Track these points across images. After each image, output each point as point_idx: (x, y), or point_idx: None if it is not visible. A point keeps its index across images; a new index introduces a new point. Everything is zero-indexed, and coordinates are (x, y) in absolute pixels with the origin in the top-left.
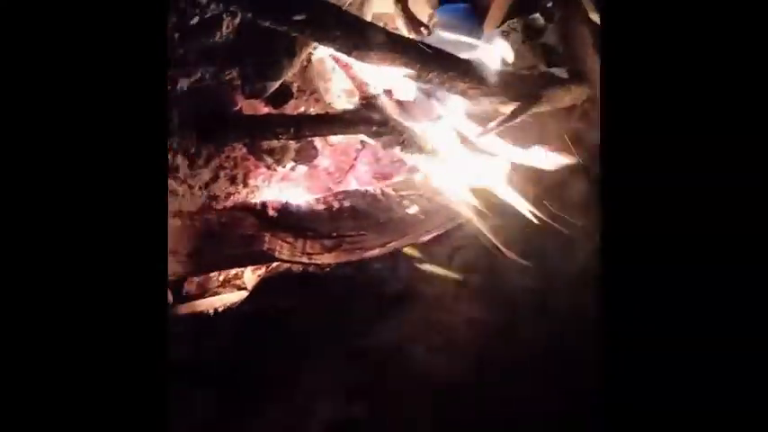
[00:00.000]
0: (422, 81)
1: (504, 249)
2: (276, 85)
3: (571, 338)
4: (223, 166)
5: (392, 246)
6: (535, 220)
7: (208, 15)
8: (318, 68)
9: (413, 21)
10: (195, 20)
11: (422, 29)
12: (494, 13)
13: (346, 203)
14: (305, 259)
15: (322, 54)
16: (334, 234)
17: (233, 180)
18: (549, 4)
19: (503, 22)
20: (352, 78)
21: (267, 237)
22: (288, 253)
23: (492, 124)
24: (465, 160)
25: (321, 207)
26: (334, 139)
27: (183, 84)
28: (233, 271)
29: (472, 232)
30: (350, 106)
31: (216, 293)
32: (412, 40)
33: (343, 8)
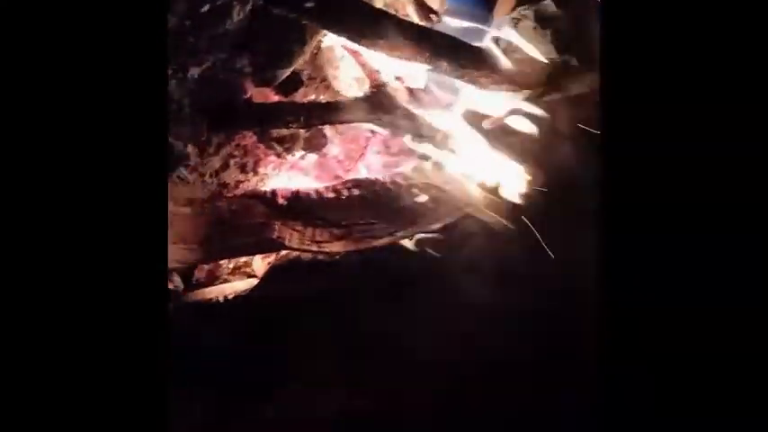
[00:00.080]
0: (432, 69)
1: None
2: (286, 72)
3: (582, 326)
4: (233, 155)
5: (401, 234)
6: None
7: (219, 3)
8: (328, 56)
9: (423, 8)
10: (206, 7)
11: (432, 16)
12: (504, 1)
13: (356, 192)
14: (314, 247)
15: (332, 42)
16: (344, 223)
17: (243, 168)
18: None
19: (513, 9)
20: (363, 66)
21: (277, 225)
22: (297, 241)
23: (502, 113)
24: (476, 148)
25: (330, 195)
26: (343, 127)
27: (194, 71)
28: (243, 258)
29: (482, 221)
30: (360, 94)
31: (226, 281)
32: (422, 27)
33: None
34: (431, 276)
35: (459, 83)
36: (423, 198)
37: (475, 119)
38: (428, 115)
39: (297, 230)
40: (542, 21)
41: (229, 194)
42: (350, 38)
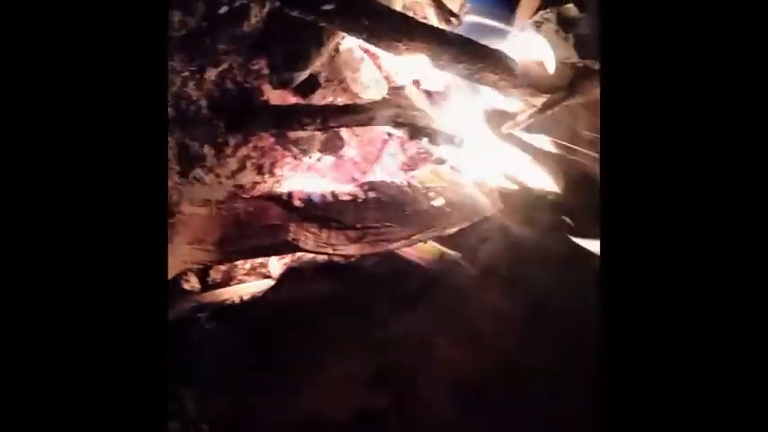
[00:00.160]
0: (451, 71)
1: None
2: (304, 75)
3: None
4: (250, 156)
5: (417, 238)
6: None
7: (236, 5)
8: (346, 58)
9: (443, 10)
10: (224, 9)
11: (452, 18)
12: (527, 3)
13: (372, 194)
14: (329, 250)
15: (350, 44)
16: (359, 225)
17: (260, 170)
18: None
19: (536, 12)
20: (380, 68)
21: (292, 227)
22: (312, 243)
23: (522, 116)
24: (493, 152)
25: (346, 198)
26: (360, 129)
27: (211, 73)
28: (258, 260)
29: (498, 225)
30: (377, 97)
31: (242, 282)
32: (441, 30)
33: None
34: (447, 279)
35: (478, 86)
36: (439, 201)
37: (493, 122)
38: (446, 118)
39: (312, 233)
40: (565, 24)
41: (246, 196)
42: (368, 40)
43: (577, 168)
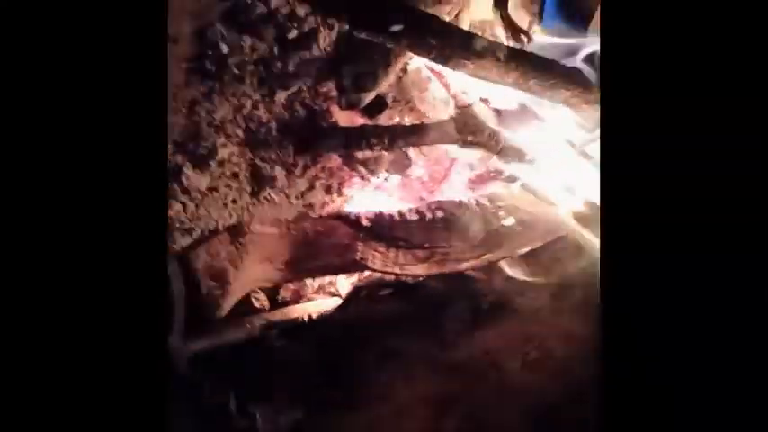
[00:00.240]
0: (521, 89)
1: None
2: (371, 96)
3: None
4: (319, 176)
5: (486, 258)
6: None
7: (306, 29)
8: (414, 78)
9: (512, 28)
10: (293, 33)
11: (522, 36)
12: (599, 18)
13: (439, 214)
14: (397, 270)
15: (418, 64)
16: (427, 245)
17: (328, 190)
18: None
19: None
20: (448, 87)
21: (360, 246)
22: (380, 263)
23: (596, 133)
24: (567, 170)
25: (414, 217)
26: (427, 148)
27: (281, 96)
28: (327, 278)
29: (573, 245)
30: (445, 116)
31: (310, 300)
32: (511, 47)
33: (440, 17)
34: (517, 300)
35: (549, 103)
36: (510, 221)
37: (566, 139)
38: (516, 135)
39: (380, 252)
40: None
41: (314, 215)
42: (436, 60)
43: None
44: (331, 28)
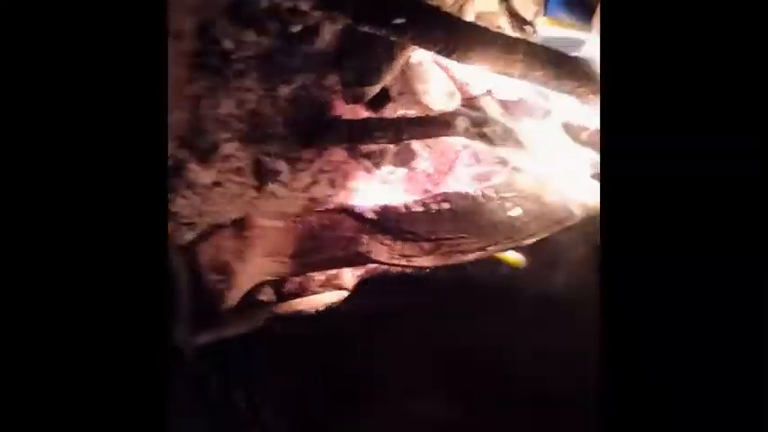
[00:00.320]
0: (526, 80)
1: None
2: (376, 89)
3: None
4: (323, 170)
5: (492, 249)
6: None
7: (309, 23)
8: (418, 71)
9: (517, 19)
10: (297, 27)
11: (526, 27)
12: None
13: (445, 206)
14: (403, 261)
15: (422, 57)
16: (433, 237)
17: (332, 183)
18: None
19: None
20: (453, 79)
21: (365, 239)
22: (386, 255)
23: None
24: (573, 160)
25: (419, 209)
26: (432, 141)
27: (285, 90)
28: (333, 271)
29: (579, 235)
30: (450, 108)
31: (316, 293)
32: (515, 38)
33: (444, 9)
34: (522, 290)
35: (555, 94)
36: (516, 211)
37: (572, 130)
38: (522, 126)
39: (385, 244)
40: None
41: (319, 209)
42: (440, 52)
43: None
44: (334, 21)
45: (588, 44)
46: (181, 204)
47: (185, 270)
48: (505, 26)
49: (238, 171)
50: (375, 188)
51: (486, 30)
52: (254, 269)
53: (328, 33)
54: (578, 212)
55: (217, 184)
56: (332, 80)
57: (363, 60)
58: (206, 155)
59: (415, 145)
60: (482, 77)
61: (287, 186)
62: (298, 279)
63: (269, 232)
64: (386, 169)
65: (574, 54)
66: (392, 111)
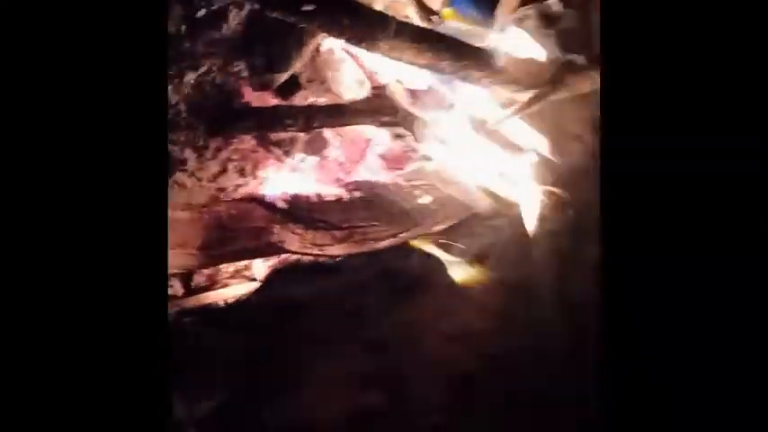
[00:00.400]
0: (434, 70)
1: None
2: (285, 76)
3: (586, 325)
4: (231, 159)
5: (404, 236)
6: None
7: (215, 7)
8: (327, 59)
9: (424, 9)
10: (202, 12)
11: (433, 17)
12: (508, 0)
13: (357, 194)
14: (315, 251)
15: (331, 44)
16: (345, 225)
17: (242, 172)
18: None
19: (517, 9)
20: (362, 68)
21: (277, 228)
22: (298, 244)
23: (507, 113)
24: (479, 149)
25: (331, 198)
26: (343, 129)
27: (191, 77)
28: (243, 262)
29: (486, 221)
30: (360, 96)
31: (226, 285)
32: (423, 28)
33: None
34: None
35: (461, 84)
36: (426, 199)
37: (479, 119)
38: (430, 116)
39: (297, 234)
40: (546, 20)
41: (228, 199)
42: (349, 41)
43: (565, 162)
44: (241, 7)
45: (492, 35)
46: None
47: None
48: (413, 16)
49: None
50: (286, 177)
51: (393, 19)
52: None
53: (235, 19)
54: (485, 201)
55: None
56: (239, 67)
57: (272, 47)
58: None
59: (327, 133)
60: (391, 67)
61: (194, 176)
62: (207, 271)
63: (176, 224)
64: (297, 157)
65: (479, 45)
66: (302, 98)
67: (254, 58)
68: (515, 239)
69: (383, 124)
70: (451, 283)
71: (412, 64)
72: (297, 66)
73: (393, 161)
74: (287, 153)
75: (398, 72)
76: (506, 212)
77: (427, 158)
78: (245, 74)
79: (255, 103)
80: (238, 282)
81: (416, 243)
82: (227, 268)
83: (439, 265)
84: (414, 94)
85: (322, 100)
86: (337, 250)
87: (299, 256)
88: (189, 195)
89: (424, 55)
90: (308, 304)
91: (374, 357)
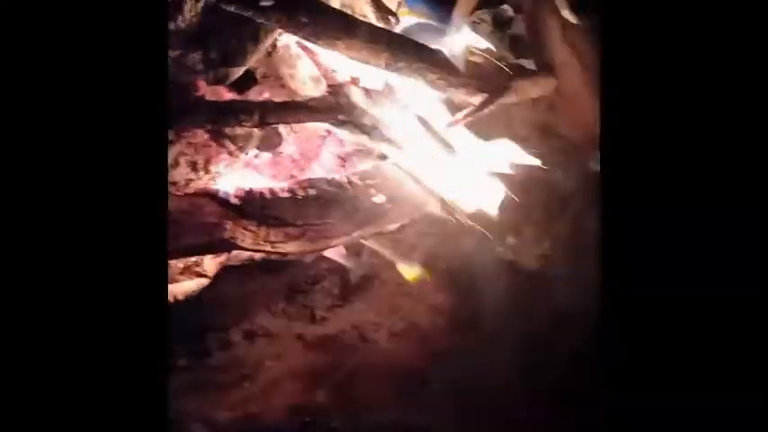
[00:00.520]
0: (390, 70)
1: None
2: (240, 71)
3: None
4: (183, 152)
5: (357, 235)
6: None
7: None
8: (283, 55)
9: (381, 9)
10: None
11: (390, 17)
12: (463, 3)
13: (311, 191)
14: (268, 248)
15: (288, 40)
16: (299, 222)
17: (194, 166)
18: None
19: (472, 13)
20: (319, 65)
21: (229, 225)
22: (250, 241)
23: (459, 115)
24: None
25: (285, 195)
26: (298, 126)
27: None
28: (193, 258)
29: (438, 220)
30: (316, 93)
31: (175, 281)
32: (380, 28)
33: None
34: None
35: (416, 84)
36: (380, 198)
37: (433, 120)
38: (385, 115)
39: (250, 230)
40: (500, 25)
41: (179, 193)
42: (306, 38)
43: (513, 167)
44: None
45: (448, 36)
46: None
47: None
48: (370, 15)
49: None
50: (239, 172)
51: (351, 17)
52: None
53: (190, 11)
54: (437, 199)
55: None
56: (194, 60)
57: (227, 41)
58: None
59: (281, 129)
60: (348, 65)
61: None
62: None
63: None
64: (251, 153)
65: (435, 47)
66: (257, 94)
67: (209, 51)
68: (464, 240)
69: (338, 122)
70: (401, 281)
71: (368, 63)
72: (252, 60)
73: (348, 159)
74: (241, 148)
75: (355, 71)
76: (455, 214)
77: (382, 158)
78: (199, 67)
79: (210, 97)
80: (188, 278)
81: (368, 241)
82: (177, 264)
83: (389, 263)
84: (370, 93)
85: (277, 96)
86: (291, 247)
87: (251, 254)
88: None
89: (380, 55)
90: (258, 301)
91: (321, 354)
